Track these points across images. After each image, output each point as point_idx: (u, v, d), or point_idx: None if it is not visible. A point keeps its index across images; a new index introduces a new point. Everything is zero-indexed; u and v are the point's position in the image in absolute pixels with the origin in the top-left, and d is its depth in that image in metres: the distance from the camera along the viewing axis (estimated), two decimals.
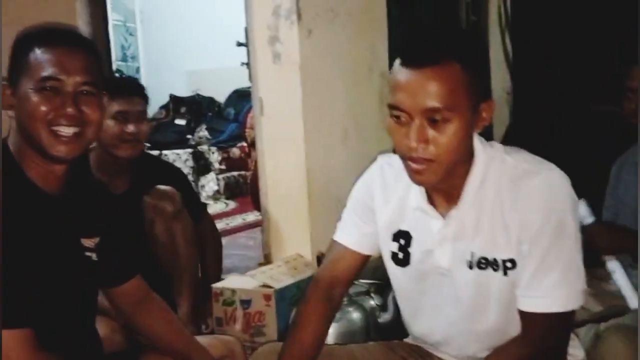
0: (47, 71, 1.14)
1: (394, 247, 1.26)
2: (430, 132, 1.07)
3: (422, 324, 1.30)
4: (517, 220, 1.11)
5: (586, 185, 1.68)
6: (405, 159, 1.11)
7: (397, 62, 1.10)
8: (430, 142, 1.07)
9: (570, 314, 1.13)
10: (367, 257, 1.34)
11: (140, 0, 6.62)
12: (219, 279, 2.29)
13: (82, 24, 2.26)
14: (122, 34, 6.44)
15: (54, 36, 1.19)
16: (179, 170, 2.47)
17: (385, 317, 2.01)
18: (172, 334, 1.41)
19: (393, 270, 1.29)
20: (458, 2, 3.67)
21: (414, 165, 1.10)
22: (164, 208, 2.05)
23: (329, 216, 2.48)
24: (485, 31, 3.90)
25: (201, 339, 1.48)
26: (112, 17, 5.86)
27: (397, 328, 1.90)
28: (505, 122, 3.95)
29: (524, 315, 1.14)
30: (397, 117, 1.09)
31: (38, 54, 1.15)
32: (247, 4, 2.49)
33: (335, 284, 1.34)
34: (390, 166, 1.28)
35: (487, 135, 1.20)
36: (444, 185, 1.16)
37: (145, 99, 2.09)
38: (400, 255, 1.26)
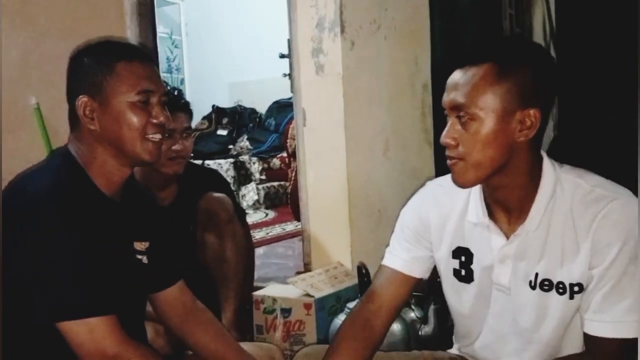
0: (143, 85, 1.22)
1: (456, 264, 1.25)
2: (458, 129, 1.09)
3: (476, 339, 1.28)
4: (591, 245, 1.09)
5: None
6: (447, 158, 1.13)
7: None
8: (457, 139, 1.09)
9: (637, 342, 1.10)
10: (417, 281, 1.31)
11: (186, 13, 6.77)
12: (252, 286, 2.30)
13: (131, 37, 2.33)
14: (168, 46, 6.59)
15: (136, 51, 1.28)
16: (222, 177, 2.50)
17: (426, 330, 1.99)
18: (219, 345, 1.42)
19: (456, 287, 1.26)
20: (502, 14, 3.65)
21: (447, 162, 1.11)
22: (218, 214, 2.08)
23: (369, 227, 2.49)
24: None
25: (243, 346, 1.49)
26: (158, 30, 5.99)
27: (437, 341, 1.89)
28: (549, 134, 3.90)
29: (591, 339, 1.12)
30: (445, 116, 1.12)
31: (129, 68, 1.23)
32: (290, 17, 2.53)
33: (377, 316, 1.29)
34: (441, 187, 1.28)
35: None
36: (503, 198, 1.14)
37: (190, 114, 2.13)
38: (463, 272, 1.24)
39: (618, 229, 1.07)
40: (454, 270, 1.25)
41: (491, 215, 1.18)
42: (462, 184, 1.13)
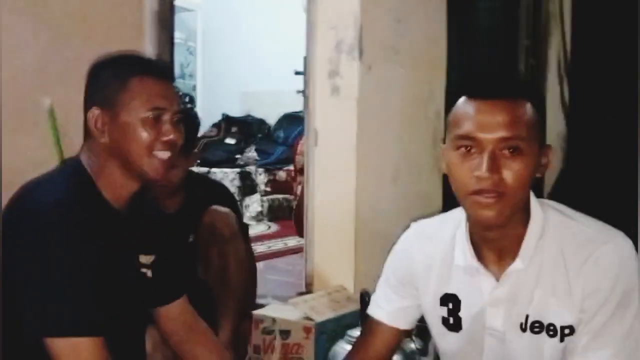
0: (155, 102, 1.23)
1: (444, 312, 1.21)
2: (503, 162, 1.04)
3: None
4: (582, 287, 1.07)
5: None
6: (471, 194, 1.05)
7: (463, 97, 1.09)
8: (503, 173, 1.03)
9: None
10: (404, 332, 1.29)
11: (203, 21, 6.80)
12: (254, 299, 2.28)
13: (149, 45, 2.33)
14: (182, 52, 6.61)
15: (152, 67, 1.29)
16: (228, 191, 2.49)
17: None
18: None
19: (445, 336, 1.23)
20: (518, 45, 3.64)
21: (483, 199, 1.04)
22: (221, 230, 2.07)
23: (374, 252, 2.47)
24: (543, 75, 3.85)
25: None
26: (174, 36, 6.02)
27: None
28: (557, 168, 3.88)
29: None
30: (467, 148, 1.05)
31: (143, 85, 1.23)
32: (308, 36, 2.53)
33: None
34: (423, 232, 1.25)
35: (538, 181, 1.16)
36: (498, 237, 1.11)
37: (197, 128, 2.13)
38: (451, 320, 1.20)
39: (610, 272, 1.06)
40: (442, 318, 1.21)
41: (479, 258, 1.14)
42: (500, 222, 1.07)
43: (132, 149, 1.23)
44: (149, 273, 1.35)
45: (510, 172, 1.04)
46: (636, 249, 1.10)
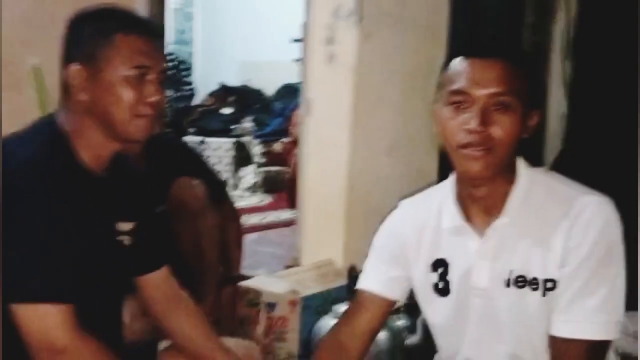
0: (139, 60, 1.17)
1: (434, 277, 1.22)
2: (492, 117, 1.08)
3: (460, 357, 1.23)
4: (563, 243, 1.09)
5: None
6: (460, 147, 1.09)
7: (458, 58, 1.13)
8: (492, 127, 1.08)
9: (605, 345, 1.09)
10: (392, 305, 1.28)
11: None
12: (239, 266, 2.23)
13: (140, 7, 2.25)
14: (180, 18, 6.50)
15: (138, 23, 1.22)
16: (195, 153, 2.37)
17: (412, 340, 1.95)
18: (200, 338, 1.38)
19: (434, 303, 1.23)
20: (523, 21, 3.57)
21: (471, 152, 1.08)
22: (190, 206, 1.98)
23: (365, 226, 2.42)
24: (547, 52, 3.78)
25: (223, 341, 1.44)
26: (171, 0, 5.93)
27: (423, 351, 1.84)
28: (558, 147, 3.82)
29: (557, 342, 1.09)
30: (459, 103, 1.09)
31: (128, 41, 1.17)
32: (307, 1, 2.45)
33: (352, 340, 1.24)
34: (412, 202, 1.29)
35: (537, 160, 1.18)
36: (486, 196, 1.14)
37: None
38: (441, 284, 1.21)
39: (591, 229, 1.08)
40: (434, 284, 1.22)
41: (466, 218, 1.18)
42: (486, 175, 1.11)
43: (115, 109, 1.17)
44: (127, 241, 1.30)
45: (499, 128, 1.08)
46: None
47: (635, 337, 1.55)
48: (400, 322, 1.97)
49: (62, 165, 1.17)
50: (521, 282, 1.12)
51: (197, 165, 2.15)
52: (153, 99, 1.19)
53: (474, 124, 1.07)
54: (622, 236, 1.10)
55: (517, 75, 1.10)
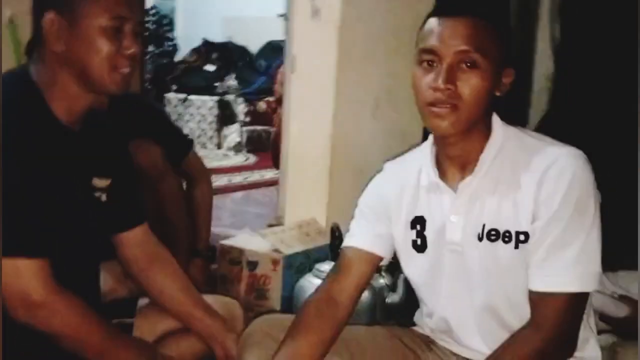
0: (117, 10, 1.14)
1: (413, 234, 1.24)
2: (459, 75, 1.09)
3: (437, 312, 1.25)
4: (534, 196, 1.10)
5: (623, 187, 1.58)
6: (428, 105, 1.10)
7: (431, 18, 1.13)
8: (457, 85, 1.08)
9: (583, 298, 1.10)
10: (379, 261, 1.28)
11: None
12: (208, 234, 2.15)
13: None
14: None
15: None
16: (154, 107, 2.24)
17: (393, 298, 1.96)
18: (181, 295, 1.38)
19: (412, 259, 1.25)
20: None
21: (437, 110, 1.09)
22: (147, 172, 1.82)
23: (349, 185, 2.41)
24: (534, 15, 3.74)
25: (205, 299, 1.43)
26: None
27: (404, 310, 1.85)
28: (544, 109, 3.81)
29: (535, 297, 1.09)
30: (428, 62, 1.10)
31: None
32: None
33: (342, 295, 1.24)
34: (395, 163, 1.31)
35: (522, 122, 1.17)
36: (461, 153, 1.16)
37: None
38: (419, 241, 1.23)
39: (563, 180, 1.08)
40: (412, 242, 1.24)
41: (443, 176, 1.19)
42: (448, 132, 1.12)
43: (92, 60, 1.14)
44: (104, 197, 1.28)
45: (466, 85, 1.09)
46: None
47: (614, 297, 1.57)
48: (382, 280, 1.98)
49: (35, 119, 1.14)
50: (494, 235, 1.13)
51: (158, 124, 2.04)
52: (131, 50, 1.16)
53: (440, 82, 1.08)
54: (594, 187, 1.11)
55: (487, 34, 1.10)
